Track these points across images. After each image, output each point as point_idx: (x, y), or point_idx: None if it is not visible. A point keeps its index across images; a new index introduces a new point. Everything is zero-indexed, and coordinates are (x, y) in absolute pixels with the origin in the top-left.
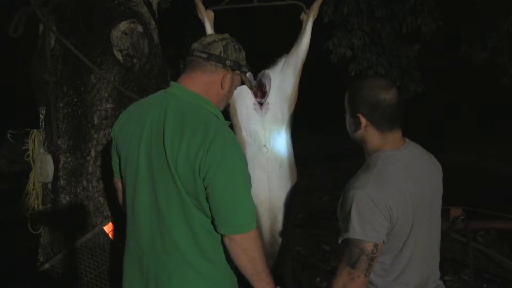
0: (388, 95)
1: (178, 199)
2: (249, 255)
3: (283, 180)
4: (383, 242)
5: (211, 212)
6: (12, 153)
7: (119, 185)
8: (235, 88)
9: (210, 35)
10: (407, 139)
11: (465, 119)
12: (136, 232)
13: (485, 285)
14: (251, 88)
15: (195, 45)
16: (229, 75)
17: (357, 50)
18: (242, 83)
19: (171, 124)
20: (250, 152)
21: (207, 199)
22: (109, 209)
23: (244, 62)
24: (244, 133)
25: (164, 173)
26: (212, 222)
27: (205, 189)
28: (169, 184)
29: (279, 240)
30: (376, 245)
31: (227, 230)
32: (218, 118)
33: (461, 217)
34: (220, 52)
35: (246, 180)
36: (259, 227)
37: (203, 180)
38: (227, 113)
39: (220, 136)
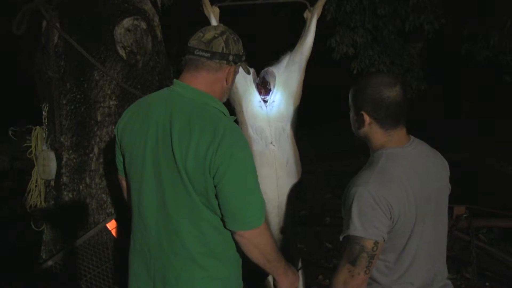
0: (392, 92)
1: (186, 198)
2: (260, 248)
3: (290, 177)
4: (384, 239)
5: (220, 210)
6: (14, 150)
7: (123, 183)
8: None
9: (208, 30)
10: (412, 137)
11: (466, 117)
12: (142, 231)
13: (487, 283)
14: (248, 73)
15: (194, 43)
16: (232, 69)
17: (359, 48)
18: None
19: (178, 123)
20: (257, 149)
21: (216, 196)
22: (112, 206)
23: (243, 52)
24: (250, 130)
25: (172, 172)
26: (221, 219)
27: (215, 186)
28: (177, 184)
29: (288, 236)
30: (376, 243)
31: (238, 226)
32: (225, 115)
33: (464, 215)
34: (223, 48)
35: (255, 176)
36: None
37: (213, 178)
38: (231, 110)
39: (230, 134)
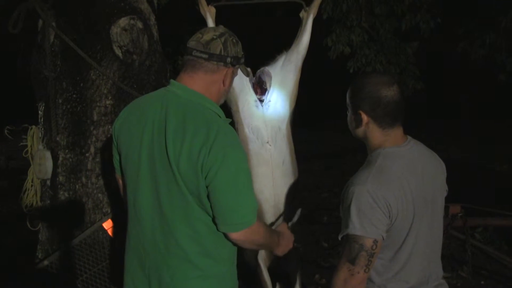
0: (390, 92)
1: (180, 198)
2: (255, 243)
3: (287, 176)
4: (383, 238)
5: (212, 211)
6: (10, 150)
7: (120, 182)
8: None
9: (207, 31)
10: (408, 137)
11: (463, 117)
12: (138, 230)
13: (482, 282)
14: (247, 75)
15: (192, 44)
16: (230, 72)
17: (355, 47)
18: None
19: (173, 123)
20: (253, 148)
21: (208, 197)
22: (108, 205)
23: (242, 54)
24: (246, 130)
25: (166, 172)
26: (213, 220)
27: (206, 187)
28: (171, 183)
29: None
30: (375, 241)
31: (229, 228)
32: (220, 117)
33: (460, 214)
34: (221, 50)
35: (248, 178)
36: None
37: (205, 178)
38: (228, 110)
39: (223, 135)
